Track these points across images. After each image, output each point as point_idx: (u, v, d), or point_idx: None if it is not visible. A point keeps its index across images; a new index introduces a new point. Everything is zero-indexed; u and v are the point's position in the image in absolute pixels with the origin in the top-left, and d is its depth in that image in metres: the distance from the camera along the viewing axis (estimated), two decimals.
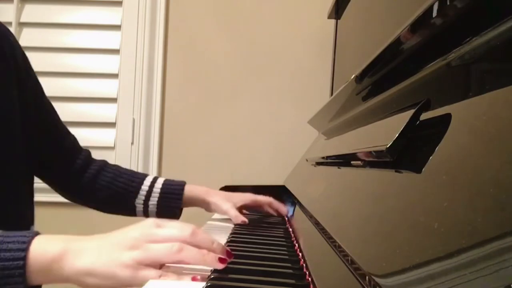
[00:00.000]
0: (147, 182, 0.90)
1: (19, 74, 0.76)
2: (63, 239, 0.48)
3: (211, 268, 0.50)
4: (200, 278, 0.48)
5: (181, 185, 0.91)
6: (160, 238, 0.49)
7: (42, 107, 0.83)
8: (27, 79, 0.79)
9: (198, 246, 0.49)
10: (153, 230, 0.49)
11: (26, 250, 0.45)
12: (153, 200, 0.89)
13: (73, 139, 0.90)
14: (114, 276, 0.45)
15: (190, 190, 0.92)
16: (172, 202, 0.89)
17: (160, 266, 0.49)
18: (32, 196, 0.80)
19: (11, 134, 0.73)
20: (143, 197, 0.89)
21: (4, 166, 0.71)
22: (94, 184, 0.88)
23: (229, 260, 0.50)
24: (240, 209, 0.92)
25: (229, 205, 0.89)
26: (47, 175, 0.86)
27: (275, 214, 0.98)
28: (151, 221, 0.51)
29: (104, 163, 0.92)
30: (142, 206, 0.89)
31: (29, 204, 0.78)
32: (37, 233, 0.48)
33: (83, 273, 0.46)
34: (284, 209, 0.96)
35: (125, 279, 0.46)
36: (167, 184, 0.91)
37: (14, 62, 0.75)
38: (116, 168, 0.92)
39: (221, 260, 0.49)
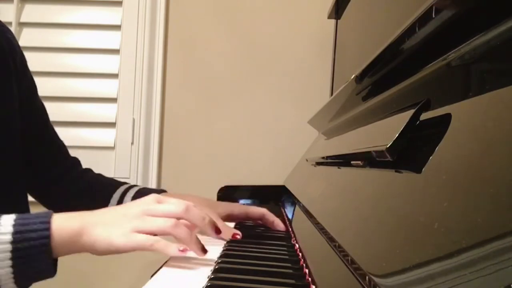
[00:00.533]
0: (119, 191, 0.86)
1: (18, 73, 0.76)
2: (78, 215, 0.54)
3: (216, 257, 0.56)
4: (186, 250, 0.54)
5: (157, 193, 0.86)
6: (158, 212, 0.55)
7: (35, 106, 0.83)
8: (24, 78, 0.79)
9: (191, 221, 0.57)
10: (152, 205, 0.56)
11: (49, 229, 0.50)
12: None
13: (61, 145, 0.88)
14: (114, 243, 0.52)
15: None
16: None
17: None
18: (27, 197, 0.80)
19: (11, 131, 0.73)
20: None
21: (3, 164, 0.71)
22: (69, 191, 0.86)
23: (216, 236, 0.58)
24: (226, 219, 0.79)
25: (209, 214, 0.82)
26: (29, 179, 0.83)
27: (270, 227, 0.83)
28: (153, 196, 0.58)
29: (85, 171, 0.90)
30: None
31: (24, 202, 0.78)
32: (52, 213, 0.53)
33: (96, 242, 0.52)
34: (281, 225, 0.81)
35: (120, 245, 0.53)
36: (140, 193, 0.85)
37: (13, 61, 0.75)
38: (96, 176, 0.90)
39: (203, 249, 0.57)
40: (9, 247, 0.48)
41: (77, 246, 0.52)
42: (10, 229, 0.49)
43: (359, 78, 0.61)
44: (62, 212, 0.72)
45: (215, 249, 0.63)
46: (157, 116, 1.44)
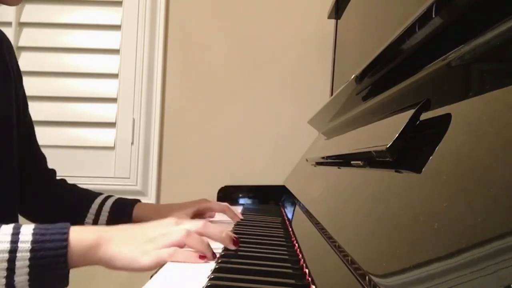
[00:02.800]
0: (98, 201, 0.88)
1: (16, 86, 0.79)
2: (94, 229, 0.57)
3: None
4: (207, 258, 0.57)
5: (132, 204, 0.89)
6: (175, 231, 0.58)
7: (27, 119, 0.85)
8: (20, 89, 0.81)
9: (210, 236, 0.59)
10: (170, 227, 0.59)
11: (67, 240, 0.51)
12: (102, 220, 0.87)
13: (43, 158, 0.90)
14: (137, 261, 0.54)
15: (139, 209, 0.89)
16: (121, 221, 0.82)
17: None
18: (17, 203, 0.80)
19: (10, 137, 0.74)
20: (92, 216, 0.87)
21: (2, 169, 0.72)
22: (47, 202, 0.87)
23: (234, 247, 0.60)
24: (195, 216, 0.89)
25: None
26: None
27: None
28: (172, 219, 0.61)
29: (62, 182, 0.91)
30: (91, 225, 0.87)
31: (15, 211, 0.79)
32: (69, 225, 0.54)
33: (113, 258, 0.54)
34: (238, 217, 0.90)
35: (146, 264, 0.54)
36: (117, 203, 0.88)
37: (13, 71, 0.78)
38: (72, 186, 0.91)
39: (213, 254, 0.58)
40: (28, 255, 0.49)
41: (93, 259, 0.54)
42: (30, 237, 0.50)
43: (359, 78, 0.61)
44: (41, 221, 0.72)
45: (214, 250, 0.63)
46: (157, 116, 1.44)
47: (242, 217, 0.91)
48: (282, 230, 0.80)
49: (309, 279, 0.48)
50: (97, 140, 1.43)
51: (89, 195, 0.90)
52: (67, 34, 1.46)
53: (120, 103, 1.43)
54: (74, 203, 0.88)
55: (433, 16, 0.36)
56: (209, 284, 0.45)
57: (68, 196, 0.89)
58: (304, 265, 0.54)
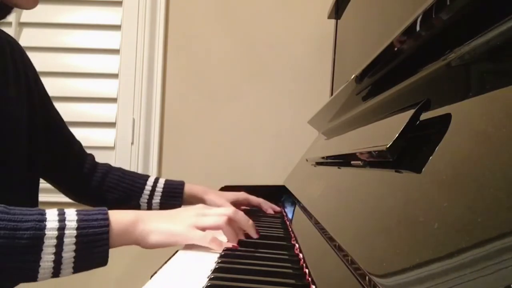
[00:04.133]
0: (150, 182, 0.97)
1: (29, 86, 0.82)
2: (131, 211, 0.60)
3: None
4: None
5: (181, 184, 0.99)
6: (211, 213, 0.65)
7: (50, 116, 0.89)
8: (36, 91, 0.84)
9: (238, 222, 0.66)
10: (204, 210, 0.66)
11: (108, 219, 0.56)
12: (156, 199, 0.96)
13: (80, 145, 0.96)
14: (173, 234, 0.60)
15: (189, 188, 0.99)
16: (173, 200, 0.96)
17: None
18: (36, 198, 0.83)
19: (18, 140, 0.76)
20: (147, 197, 0.95)
21: (8, 172, 0.73)
22: (102, 186, 0.94)
23: (257, 236, 0.68)
24: (233, 204, 0.97)
25: (223, 201, 0.96)
26: (56, 178, 0.92)
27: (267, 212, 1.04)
28: (201, 205, 0.68)
29: (109, 166, 0.98)
30: (146, 204, 0.96)
31: (32, 206, 0.80)
32: (107, 208, 0.58)
33: (150, 232, 0.59)
34: (271, 211, 1.00)
35: (182, 236, 0.60)
36: (168, 183, 0.98)
37: (25, 77, 0.81)
38: (121, 170, 0.99)
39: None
40: (75, 232, 0.53)
41: (131, 237, 0.58)
42: (75, 217, 0.54)
43: (359, 78, 0.61)
44: (101, 204, 0.81)
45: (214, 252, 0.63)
46: (157, 116, 1.44)
47: (278, 209, 1.01)
48: (282, 230, 0.80)
49: (309, 279, 0.48)
50: (97, 140, 1.43)
51: (141, 176, 0.98)
52: (67, 34, 1.46)
53: (120, 103, 1.43)
54: (129, 186, 0.95)
55: (433, 16, 0.36)
56: (209, 284, 0.45)
57: (121, 177, 0.96)
58: (304, 265, 0.54)
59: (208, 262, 0.57)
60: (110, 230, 0.55)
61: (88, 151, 0.98)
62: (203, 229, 0.62)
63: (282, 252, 0.61)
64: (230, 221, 0.65)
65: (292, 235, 0.74)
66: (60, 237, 0.51)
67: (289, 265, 0.54)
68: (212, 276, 0.48)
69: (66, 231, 0.52)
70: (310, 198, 0.72)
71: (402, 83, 0.47)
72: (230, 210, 0.67)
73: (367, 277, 0.31)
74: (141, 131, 1.43)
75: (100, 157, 1.00)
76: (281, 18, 1.45)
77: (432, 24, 0.38)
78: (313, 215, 0.61)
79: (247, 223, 0.67)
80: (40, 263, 0.50)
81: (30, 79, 0.83)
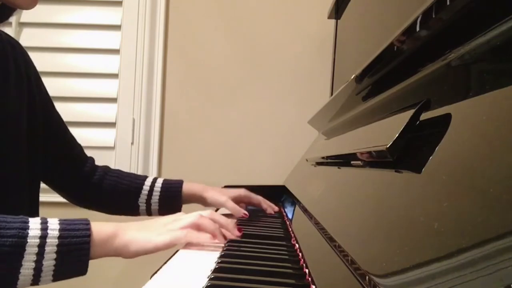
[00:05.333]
0: (147, 183, 0.96)
1: (30, 88, 0.81)
2: (113, 223, 0.61)
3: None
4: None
5: (180, 183, 0.98)
6: (185, 217, 0.66)
7: (52, 119, 0.89)
8: (37, 93, 0.84)
9: (216, 221, 0.67)
10: (180, 215, 0.67)
11: (89, 230, 0.56)
12: (155, 199, 0.95)
13: (80, 148, 0.95)
14: (149, 240, 0.60)
15: (188, 187, 0.97)
16: (172, 199, 0.95)
17: None
18: (37, 201, 0.83)
19: (18, 142, 0.76)
20: (145, 197, 0.95)
21: (8, 172, 0.73)
22: (100, 188, 0.94)
23: (238, 234, 0.69)
24: (235, 201, 0.97)
25: (225, 198, 0.94)
26: (56, 181, 0.91)
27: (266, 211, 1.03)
28: (179, 213, 0.68)
29: (107, 168, 0.97)
30: (144, 205, 0.95)
31: (32, 208, 0.80)
32: (88, 219, 0.58)
33: (128, 243, 0.59)
34: (271, 211, 1.00)
35: (159, 242, 0.60)
36: (166, 183, 0.97)
37: (27, 78, 0.81)
38: (119, 172, 0.98)
39: (225, 236, 0.66)
40: (56, 241, 0.53)
41: (110, 248, 0.58)
42: (57, 226, 0.54)
43: (359, 78, 0.61)
44: (100, 206, 0.90)
45: (213, 253, 0.63)
46: (157, 116, 1.44)
47: (277, 209, 1.00)
48: (282, 230, 0.80)
49: (309, 279, 0.48)
50: (97, 140, 1.43)
51: (139, 177, 0.98)
52: (67, 34, 1.46)
53: (120, 103, 1.43)
54: (127, 186, 0.95)
55: (433, 16, 0.36)
56: (209, 284, 0.45)
57: (119, 179, 0.95)
58: (304, 265, 0.54)
59: (208, 262, 0.57)
60: (91, 241, 0.56)
61: (88, 151, 0.98)
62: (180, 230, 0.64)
63: (282, 252, 0.61)
64: (203, 216, 0.66)
65: (292, 235, 0.74)
66: (41, 245, 0.52)
67: (289, 265, 0.54)
68: (212, 276, 0.48)
69: (48, 240, 0.52)
70: (310, 198, 0.72)
71: (402, 83, 0.47)
72: (206, 211, 0.68)
73: (367, 277, 0.31)
74: (141, 131, 1.43)
75: (100, 157, 1.00)
76: (281, 18, 1.45)
77: (432, 24, 0.38)
78: (313, 215, 0.61)
79: (226, 222, 0.68)
80: (21, 270, 0.50)
81: (32, 81, 0.83)
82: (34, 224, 0.53)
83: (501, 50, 0.29)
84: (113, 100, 1.44)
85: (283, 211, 1.05)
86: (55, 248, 0.53)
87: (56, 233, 0.53)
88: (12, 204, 0.74)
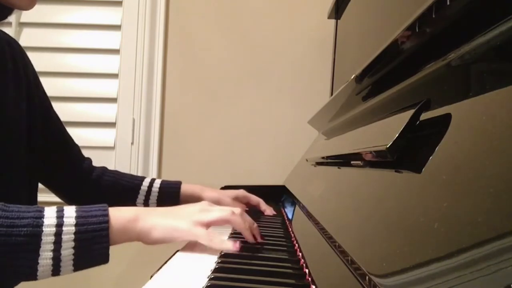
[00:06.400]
0: (145, 183, 0.96)
1: (29, 88, 0.81)
2: (132, 208, 0.60)
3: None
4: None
5: (178, 183, 0.97)
6: (214, 209, 0.64)
7: (50, 119, 0.88)
8: (36, 93, 0.84)
9: (247, 220, 0.65)
10: (208, 206, 0.64)
11: (107, 215, 0.55)
12: (153, 199, 0.95)
13: (78, 149, 0.95)
14: (176, 229, 0.58)
15: (186, 188, 0.97)
16: (170, 200, 0.95)
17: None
18: (35, 201, 0.83)
19: (17, 142, 0.76)
20: (143, 197, 0.94)
21: (6, 172, 0.73)
22: (97, 188, 0.93)
23: (259, 240, 0.65)
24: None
25: (227, 199, 0.95)
26: (53, 181, 0.91)
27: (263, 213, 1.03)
28: (205, 202, 0.66)
29: (104, 169, 0.97)
30: (142, 205, 0.95)
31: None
32: (107, 205, 0.58)
33: (152, 228, 0.58)
34: (270, 211, 0.99)
35: (184, 231, 0.58)
36: (165, 183, 0.97)
37: (26, 78, 0.81)
38: (116, 172, 0.98)
39: (254, 236, 0.65)
40: (73, 229, 0.52)
41: (132, 234, 0.57)
42: (74, 214, 0.54)
43: (359, 78, 0.61)
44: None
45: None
46: (157, 116, 1.44)
47: (275, 213, 0.99)
48: (282, 230, 0.80)
49: (309, 279, 0.48)
50: (97, 140, 1.43)
51: (136, 178, 0.97)
52: (67, 34, 1.46)
53: (120, 103, 1.43)
54: (125, 186, 0.94)
55: (433, 16, 0.36)
56: (209, 284, 0.45)
57: (117, 179, 0.95)
58: (304, 265, 0.54)
59: (208, 262, 0.57)
60: (110, 227, 0.54)
61: (88, 151, 0.98)
62: (208, 224, 0.61)
63: (282, 252, 0.61)
64: (234, 212, 0.64)
65: (292, 235, 0.74)
66: (58, 234, 0.51)
67: (289, 265, 0.54)
68: (212, 276, 0.48)
69: (64, 228, 0.51)
70: (310, 198, 0.72)
71: (402, 83, 0.47)
72: (237, 209, 0.65)
73: (367, 277, 0.31)
74: (141, 131, 1.43)
75: (100, 157, 1.01)
76: (281, 18, 1.45)
77: (432, 24, 0.38)
78: (313, 215, 0.61)
79: (253, 225, 0.66)
80: (39, 261, 0.49)
81: (30, 81, 0.82)
82: (49, 213, 0.52)
83: (501, 50, 0.29)
84: (113, 100, 1.44)
85: (283, 211, 1.05)
86: (72, 236, 0.52)
87: (73, 220, 0.53)
88: (12, 203, 0.74)
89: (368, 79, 0.59)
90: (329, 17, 1.23)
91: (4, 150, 0.73)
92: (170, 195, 0.95)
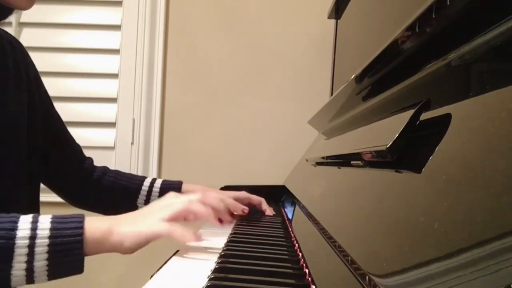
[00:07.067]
0: (146, 183, 0.95)
1: (30, 87, 0.81)
2: (108, 218, 0.60)
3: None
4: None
5: (179, 183, 0.97)
6: (175, 202, 0.63)
7: (51, 118, 0.89)
8: (37, 93, 0.84)
9: (209, 203, 0.65)
10: (171, 199, 0.64)
11: (82, 228, 0.54)
12: (154, 199, 0.94)
13: (79, 148, 0.95)
14: (140, 234, 0.58)
15: (187, 188, 0.97)
16: None
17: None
18: (38, 200, 0.83)
19: (18, 141, 0.76)
20: (144, 197, 0.94)
21: (7, 172, 0.73)
22: (98, 188, 0.93)
23: (231, 220, 0.66)
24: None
25: (224, 197, 0.93)
26: (55, 181, 0.91)
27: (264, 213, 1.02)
28: (172, 193, 0.66)
29: (106, 169, 0.97)
30: (143, 205, 0.94)
31: (32, 209, 0.80)
32: (84, 215, 0.57)
33: (122, 239, 0.57)
34: (270, 211, 0.99)
35: (147, 232, 0.58)
36: (166, 183, 0.97)
37: (27, 77, 0.81)
38: (117, 172, 0.97)
39: (219, 219, 0.65)
40: (47, 241, 0.52)
41: (106, 245, 0.57)
42: (48, 225, 0.53)
43: (359, 78, 0.61)
44: (99, 208, 0.88)
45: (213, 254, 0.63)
46: (157, 116, 1.44)
47: (274, 213, 0.99)
48: (282, 230, 0.80)
49: (309, 279, 0.48)
50: (97, 140, 1.43)
51: (137, 178, 0.97)
52: (67, 34, 1.46)
53: (120, 103, 1.43)
54: (126, 186, 0.94)
55: (433, 16, 0.36)
56: (209, 284, 0.45)
57: (118, 180, 0.95)
58: (304, 265, 0.54)
59: (208, 262, 0.57)
60: (84, 239, 0.54)
61: (88, 151, 0.98)
62: (170, 220, 0.61)
63: (282, 252, 0.61)
64: (193, 200, 0.64)
65: (292, 235, 0.74)
66: (31, 246, 0.51)
67: (289, 265, 0.54)
68: (212, 276, 0.48)
69: (38, 240, 0.52)
70: (310, 198, 0.72)
71: (402, 83, 0.47)
72: (197, 195, 0.65)
73: (367, 277, 0.31)
74: (141, 131, 1.43)
75: (100, 157, 1.00)
76: (281, 18, 1.45)
77: (432, 24, 0.38)
78: (313, 215, 0.61)
79: (219, 204, 0.67)
80: (12, 272, 0.50)
81: (31, 80, 0.82)
82: (24, 224, 0.52)
83: (501, 50, 0.29)
84: (113, 100, 1.44)
85: (283, 211, 1.05)
86: (46, 248, 0.52)
87: (47, 232, 0.53)
88: (13, 204, 0.74)
89: (368, 79, 0.59)
90: (329, 17, 1.23)
91: (6, 148, 0.73)
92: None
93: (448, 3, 0.34)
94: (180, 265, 0.57)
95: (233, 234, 0.74)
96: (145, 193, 0.94)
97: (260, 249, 0.62)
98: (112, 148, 1.43)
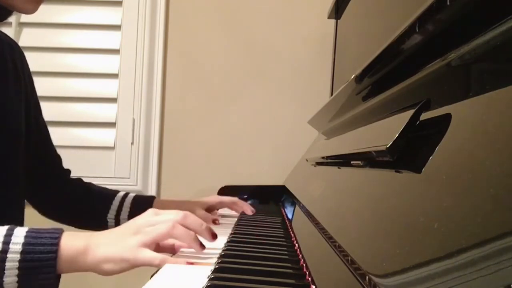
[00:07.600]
0: (118, 198, 0.93)
1: (27, 89, 0.82)
2: (85, 235, 0.56)
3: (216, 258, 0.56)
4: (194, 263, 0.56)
5: (151, 198, 0.94)
6: (158, 222, 0.59)
7: (40, 125, 0.88)
8: (32, 96, 0.84)
9: (189, 226, 0.60)
10: (151, 217, 0.60)
11: (57, 244, 0.52)
12: (124, 215, 0.91)
13: (59, 159, 0.94)
14: (123, 259, 0.55)
15: (160, 203, 0.93)
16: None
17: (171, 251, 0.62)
18: (24, 200, 0.83)
19: (16, 141, 0.76)
20: (114, 212, 0.91)
21: (6, 171, 0.73)
22: (67, 202, 0.92)
23: (212, 241, 0.62)
24: (209, 211, 0.95)
25: (197, 210, 0.91)
26: (29, 188, 0.88)
27: (239, 212, 1.00)
28: (151, 210, 0.61)
29: (79, 181, 0.95)
30: (113, 221, 0.91)
31: (21, 207, 0.80)
32: (62, 230, 0.55)
33: (101, 261, 0.55)
34: (248, 208, 0.98)
35: (131, 258, 0.55)
36: (137, 199, 0.94)
37: (24, 80, 0.81)
38: (89, 185, 0.96)
39: (201, 245, 0.60)
40: (18, 257, 0.51)
41: (81, 265, 0.54)
42: (22, 240, 0.52)
43: (359, 78, 0.61)
44: (65, 219, 0.81)
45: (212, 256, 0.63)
46: (157, 116, 1.44)
47: (254, 211, 0.98)
48: (282, 230, 0.80)
49: (309, 279, 0.48)
50: (97, 140, 1.43)
51: (108, 192, 0.94)
52: (67, 34, 1.46)
53: (120, 103, 1.43)
54: (96, 201, 0.92)
55: (433, 16, 0.36)
56: (209, 284, 0.45)
57: (88, 194, 0.93)
58: (304, 265, 0.54)
59: (208, 262, 0.57)
60: (58, 256, 0.52)
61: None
62: (152, 243, 0.57)
63: (282, 252, 0.61)
64: (176, 225, 0.59)
65: (292, 235, 0.74)
66: (2, 261, 0.50)
67: (289, 265, 0.54)
68: (212, 276, 0.48)
69: (9, 255, 0.50)
70: (310, 198, 0.72)
71: (402, 83, 0.47)
72: (178, 215, 0.60)
73: (367, 277, 0.31)
74: (141, 131, 1.43)
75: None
76: (281, 18, 1.45)
77: (432, 24, 0.38)
78: (313, 215, 0.61)
79: (200, 227, 0.61)
80: None
81: (27, 82, 0.83)
82: None
83: (501, 50, 0.29)
84: (113, 100, 1.44)
85: (283, 211, 1.05)
86: (16, 264, 0.50)
87: (19, 247, 0.51)
88: (9, 203, 0.74)
89: (368, 79, 0.59)
90: (329, 17, 1.23)
91: (6, 148, 0.73)
92: (143, 211, 0.92)
93: (448, 3, 0.34)
94: (180, 265, 0.57)
95: (233, 234, 0.74)
96: (116, 208, 0.91)
97: (260, 249, 0.62)
98: (112, 148, 1.43)
